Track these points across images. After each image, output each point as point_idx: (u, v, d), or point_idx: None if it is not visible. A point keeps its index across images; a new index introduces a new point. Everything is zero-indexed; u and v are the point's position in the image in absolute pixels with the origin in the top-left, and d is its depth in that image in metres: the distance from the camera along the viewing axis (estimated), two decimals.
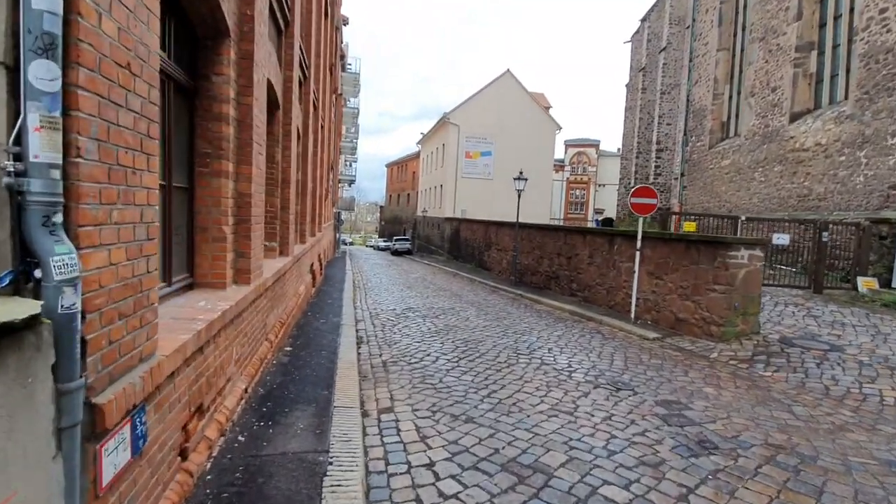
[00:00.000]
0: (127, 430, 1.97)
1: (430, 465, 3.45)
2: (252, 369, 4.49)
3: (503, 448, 3.76)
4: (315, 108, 11.32)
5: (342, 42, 30.11)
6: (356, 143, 51.68)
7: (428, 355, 6.46)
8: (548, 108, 39.09)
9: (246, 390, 4.18)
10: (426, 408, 4.56)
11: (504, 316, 9.85)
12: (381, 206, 66.44)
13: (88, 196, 1.74)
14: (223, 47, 3.86)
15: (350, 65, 38.18)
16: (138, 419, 2.07)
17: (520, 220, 16.19)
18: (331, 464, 3.14)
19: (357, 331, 7.84)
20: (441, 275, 19.76)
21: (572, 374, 5.78)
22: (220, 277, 4.02)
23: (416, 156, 47.99)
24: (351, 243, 69.18)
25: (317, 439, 3.49)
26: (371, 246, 56.12)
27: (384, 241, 50.94)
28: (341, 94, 28.73)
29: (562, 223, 45.51)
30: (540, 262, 14.80)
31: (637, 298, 9.35)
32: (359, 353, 6.39)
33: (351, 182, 41.91)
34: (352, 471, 3.09)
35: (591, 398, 4.98)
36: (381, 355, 6.41)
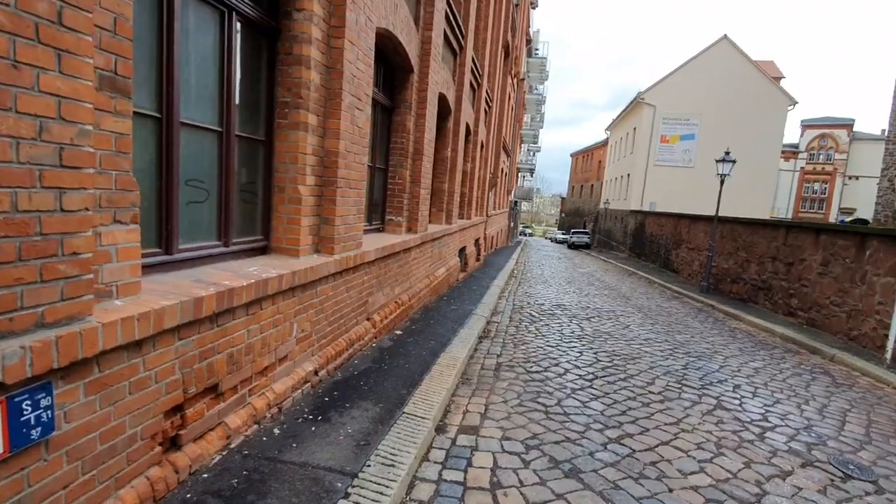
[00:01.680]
0: None
1: None
2: (333, 350, 4.00)
3: None
4: (475, 84, 10.69)
5: (528, 25, 29.16)
6: (539, 131, 50.51)
7: (557, 365, 5.18)
8: (778, 78, 31.39)
9: (316, 373, 3.69)
10: (522, 438, 3.41)
11: (679, 330, 7.72)
12: (563, 198, 63.85)
13: None
14: None
15: (537, 50, 37.04)
16: (28, 400, 1.56)
17: (722, 214, 12.94)
18: (346, 496, 2.33)
19: (488, 323, 6.96)
20: (614, 272, 17.45)
21: (767, 434, 3.84)
22: (294, 244, 3.57)
23: (604, 144, 44.24)
24: (530, 234, 68.58)
25: (354, 454, 2.73)
26: (549, 238, 54.51)
27: (562, 234, 48.76)
28: (524, 80, 27.86)
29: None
30: (745, 266, 11.58)
31: None
32: (476, 350, 5.50)
33: (531, 171, 40.96)
34: None
35: (792, 482, 3.11)
36: (499, 356, 5.40)
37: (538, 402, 4.10)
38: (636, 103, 31.04)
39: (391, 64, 5.83)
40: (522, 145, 43.59)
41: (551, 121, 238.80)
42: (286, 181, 3.53)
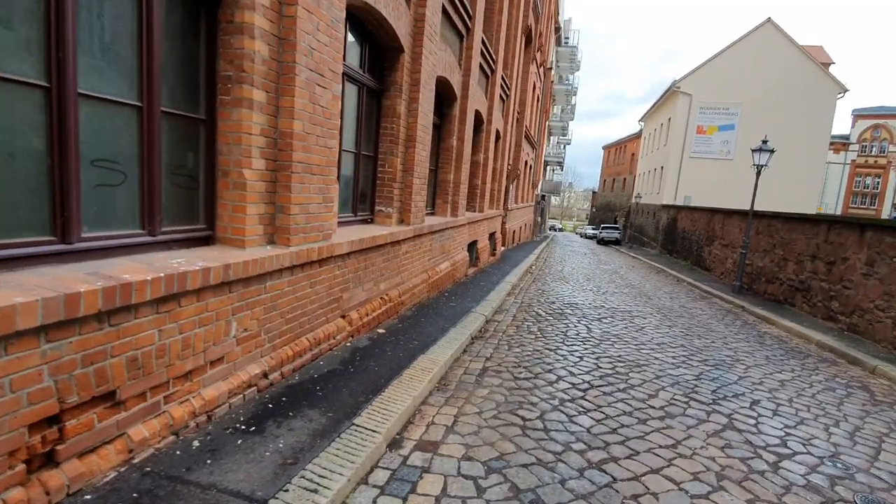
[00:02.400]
0: None
1: None
2: (291, 351, 3.67)
3: None
4: (487, 70, 10.17)
5: (557, 12, 28.14)
6: (569, 123, 49.13)
7: (550, 371, 4.70)
8: (827, 64, 29.24)
9: (266, 376, 3.37)
10: (487, 458, 2.98)
11: (700, 333, 7.05)
12: (594, 192, 62.10)
13: None
14: None
15: (567, 39, 35.85)
16: None
17: (763, 209, 11.98)
18: None
19: (487, 322, 6.51)
20: (640, 270, 16.59)
21: (782, 463, 3.26)
22: (239, 233, 3.24)
23: (637, 136, 42.58)
24: (560, 229, 67.05)
25: (274, 475, 2.38)
26: (579, 233, 53.13)
27: (592, 229, 47.38)
28: (551, 68, 26.94)
29: None
30: (782, 265, 10.66)
31: None
32: (465, 352, 5.08)
33: (559, 164, 39.84)
34: None
35: None
36: (489, 358, 4.96)
37: (517, 415, 3.65)
38: (671, 92, 29.57)
39: (378, 42, 5.43)
40: (551, 138, 42.46)
41: (587, 114, 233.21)
42: (230, 164, 3.20)
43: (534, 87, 22.08)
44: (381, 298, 5.45)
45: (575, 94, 47.66)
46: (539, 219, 36.84)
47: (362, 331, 4.93)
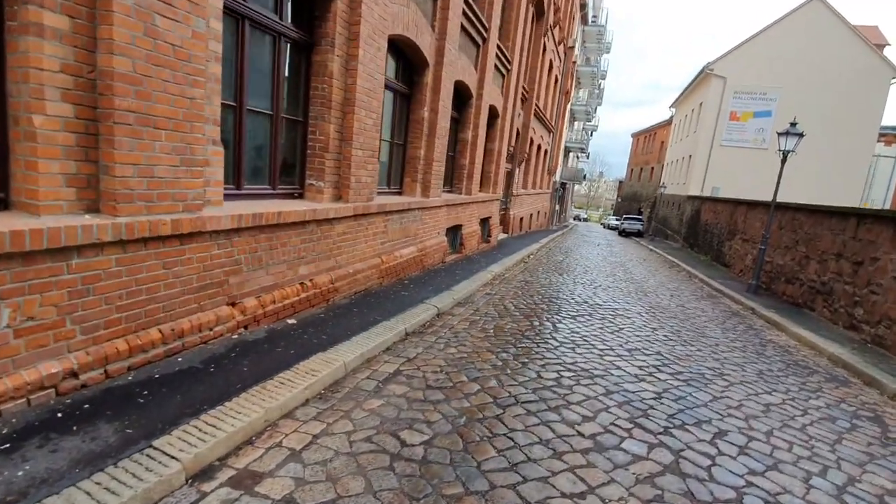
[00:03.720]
0: None
1: None
2: (127, 345, 3.01)
3: None
4: (476, 36, 9.21)
5: None
6: (597, 108, 47.08)
7: (476, 380, 3.91)
8: (881, 46, 26.59)
9: (76, 375, 2.71)
10: (314, 502, 2.25)
11: (688, 339, 6.09)
12: (620, 182, 59.78)
13: None
14: None
15: (595, 18, 33.95)
16: None
17: (785, 200, 10.70)
18: None
19: (439, 315, 5.76)
20: (651, 263, 15.41)
21: None
22: (32, 196, 2.57)
23: (668, 122, 40.32)
24: (585, 219, 64.97)
25: None
26: (604, 224, 51.28)
27: (616, 220, 45.54)
28: (573, 47, 25.42)
29: None
30: (803, 264, 9.45)
31: None
32: (386, 351, 4.35)
33: (582, 150, 38.17)
34: None
35: None
36: (410, 360, 4.21)
37: (398, 438, 2.90)
38: (704, 75, 27.55)
39: None
40: (574, 123, 40.71)
41: (623, 103, 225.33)
42: (20, 109, 2.52)
43: (550, 66, 20.78)
44: (300, 285, 4.75)
45: (603, 78, 45.54)
46: (558, 207, 35.47)
47: (263, 321, 4.25)
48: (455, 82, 8.64)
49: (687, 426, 3.48)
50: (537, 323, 5.99)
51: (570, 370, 4.36)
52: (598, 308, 7.24)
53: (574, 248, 17.92)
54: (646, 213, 40.70)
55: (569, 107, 32.04)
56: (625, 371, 4.52)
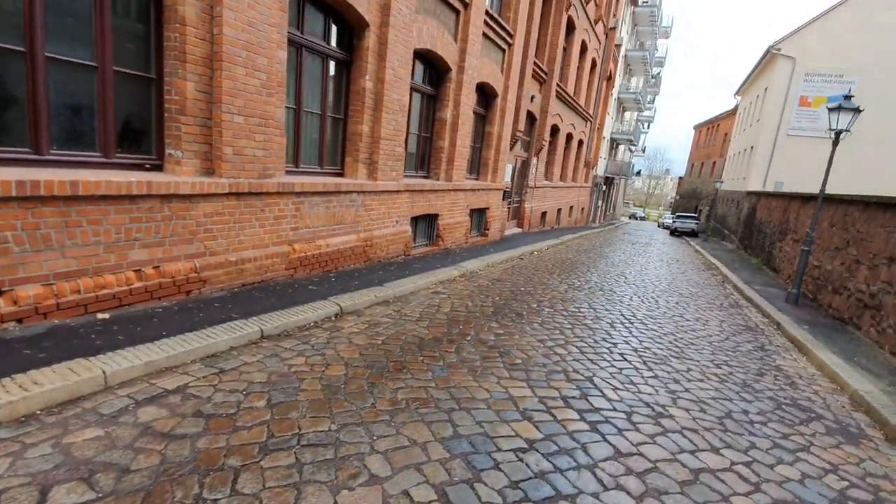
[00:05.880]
0: None
1: None
2: None
3: None
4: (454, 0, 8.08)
5: None
6: (654, 98, 43.77)
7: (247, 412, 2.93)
8: None
9: None
10: None
11: (651, 362, 4.72)
12: (680, 178, 55.44)
13: None
14: None
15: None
16: None
17: (840, 193, 8.71)
18: None
19: (339, 316, 4.80)
20: (685, 265, 13.50)
21: None
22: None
23: (732, 112, 36.51)
24: (643, 217, 60.61)
25: None
26: (660, 223, 47.67)
27: (671, 218, 42.08)
28: (615, 28, 23.31)
29: None
30: (853, 269, 7.54)
31: None
32: (203, 360, 3.47)
33: (630, 142, 35.46)
34: None
35: None
36: (214, 374, 3.30)
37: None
38: (770, 56, 24.33)
39: None
40: (626, 113, 37.90)
41: (691, 97, 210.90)
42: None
43: (583, 47, 19.00)
44: (134, 272, 3.97)
45: (661, 66, 42.13)
46: (601, 203, 33.12)
47: (56, 314, 3.50)
48: (420, 50, 7.61)
49: None
50: (484, 322, 4.86)
51: (480, 407, 3.25)
52: (582, 310, 5.95)
53: (599, 246, 16.20)
54: (704, 211, 37.23)
55: (614, 94, 29.69)
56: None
